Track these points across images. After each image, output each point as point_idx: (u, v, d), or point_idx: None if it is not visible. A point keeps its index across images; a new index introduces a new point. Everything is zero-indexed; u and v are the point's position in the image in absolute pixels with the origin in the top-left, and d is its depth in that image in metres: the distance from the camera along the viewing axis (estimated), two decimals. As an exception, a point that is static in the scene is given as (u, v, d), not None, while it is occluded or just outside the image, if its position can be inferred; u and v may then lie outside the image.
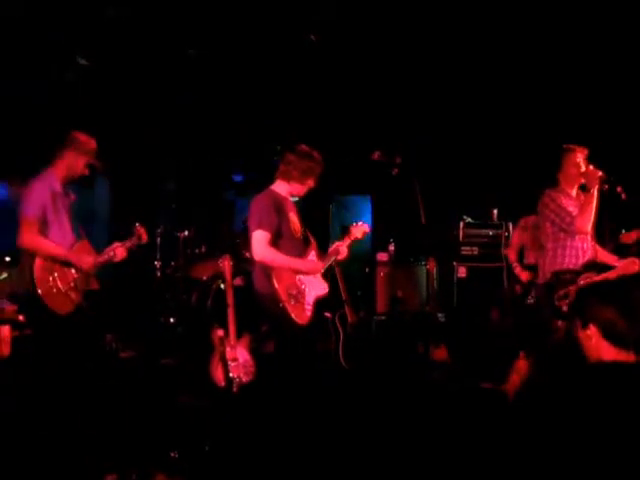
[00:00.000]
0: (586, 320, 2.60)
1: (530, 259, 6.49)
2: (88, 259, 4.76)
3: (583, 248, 5.21)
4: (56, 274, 4.59)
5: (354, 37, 5.47)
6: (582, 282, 5.02)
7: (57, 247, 4.64)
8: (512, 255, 6.24)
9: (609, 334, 2.54)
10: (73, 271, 4.70)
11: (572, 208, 5.17)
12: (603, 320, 2.55)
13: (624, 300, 2.57)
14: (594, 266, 5.16)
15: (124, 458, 3.82)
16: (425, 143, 8.00)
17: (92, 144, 4.89)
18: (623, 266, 5.15)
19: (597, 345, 2.57)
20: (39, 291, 4.49)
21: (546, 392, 2.48)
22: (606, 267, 5.21)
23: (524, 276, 6.37)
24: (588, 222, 5.08)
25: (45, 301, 4.52)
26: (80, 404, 4.44)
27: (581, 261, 5.18)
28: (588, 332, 2.58)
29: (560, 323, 4.93)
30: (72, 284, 4.66)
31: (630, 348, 2.53)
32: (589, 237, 5.25)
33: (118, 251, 4.89)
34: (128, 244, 4.98)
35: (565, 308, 4.98)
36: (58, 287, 4.58)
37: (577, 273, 5.10)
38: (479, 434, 2.37)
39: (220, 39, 5.74)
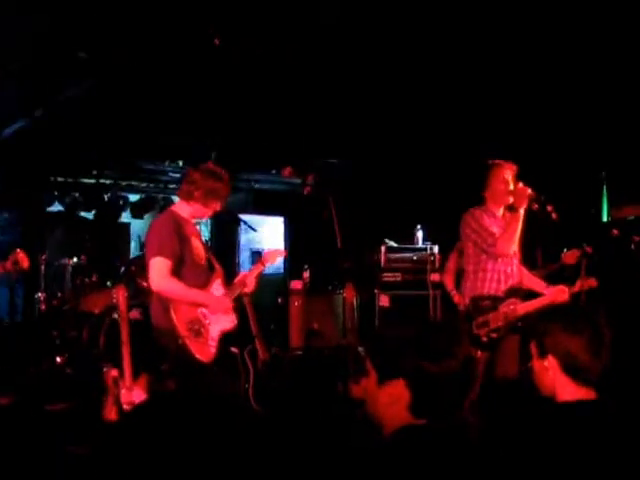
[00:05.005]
0: (545, 350, 2.42)
1: None
2: None
3: (506, 272, 4.96)
4: None
5: (274, 51, 5.39)
6: (504, 310, 4.81)
7: None
8: (449, 281, 6.05)
9: (569, 368, 2.38)
10: None
11: (496, 229, 4.92)
12: (565, 352, 2.38)
13: (590, 332, 2.37)
14: (517, 292, 4.91)
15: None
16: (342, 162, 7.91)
17: None
18: (551, 294, 4.92)
19: (554, 378, 2.41)
20: None
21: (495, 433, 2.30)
22: (532, 294, 4.98)
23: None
24: (511, 244, 4.86)
25: None
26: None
27: (503, 286, 4.92)
28: (545, 363, 2.42)
29: (480, 354, 4.69)
30: None
31: (590, 385, 2.38)
32: (515, 260, 5.02)
33: None
34: None
35: (485, 338, 4.76)
36: None
37: (498, 299, 4.86)
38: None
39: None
